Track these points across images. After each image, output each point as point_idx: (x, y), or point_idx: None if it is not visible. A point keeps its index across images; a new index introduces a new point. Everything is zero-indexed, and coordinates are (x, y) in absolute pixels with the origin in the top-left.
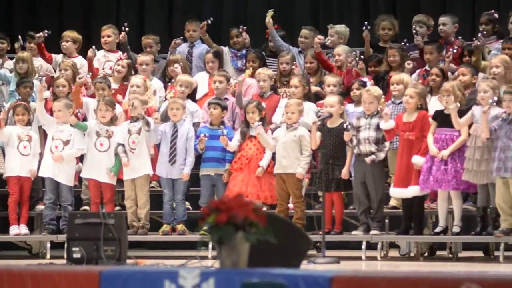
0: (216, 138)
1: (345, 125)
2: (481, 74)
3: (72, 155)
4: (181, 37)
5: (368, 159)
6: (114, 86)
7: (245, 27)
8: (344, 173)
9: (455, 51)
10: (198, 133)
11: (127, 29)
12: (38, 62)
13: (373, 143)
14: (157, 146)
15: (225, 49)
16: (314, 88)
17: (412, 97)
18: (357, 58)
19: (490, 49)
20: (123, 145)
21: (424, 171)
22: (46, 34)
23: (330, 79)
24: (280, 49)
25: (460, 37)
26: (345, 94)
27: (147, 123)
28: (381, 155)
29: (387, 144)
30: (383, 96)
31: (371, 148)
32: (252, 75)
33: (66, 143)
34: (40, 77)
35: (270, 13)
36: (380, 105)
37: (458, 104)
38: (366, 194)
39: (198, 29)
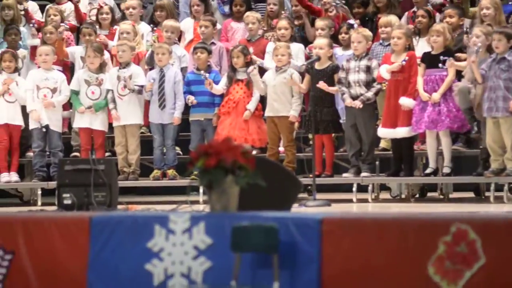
0: (203, 83)
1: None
2: (467, 21)
3: (62, 101)
4: None
5: (357, 104)
6: (104, 32)
7: None
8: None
9: None
10: (186, 79)
11: None
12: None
13: (363, 85)
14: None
15: None
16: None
17: (399, 38)
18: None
19: None
20: (112, 91)
21: (417, 113)
22: None
23: (319, 22)
24: None
25: None
26: (333, 37)
27: (140, 93)
28: (368, 95)
29: (376, 84)
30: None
31: (361, 90)
32: (238, 20)
33: (54, 90)
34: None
35: None
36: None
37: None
38: (357, 136)
39: None
